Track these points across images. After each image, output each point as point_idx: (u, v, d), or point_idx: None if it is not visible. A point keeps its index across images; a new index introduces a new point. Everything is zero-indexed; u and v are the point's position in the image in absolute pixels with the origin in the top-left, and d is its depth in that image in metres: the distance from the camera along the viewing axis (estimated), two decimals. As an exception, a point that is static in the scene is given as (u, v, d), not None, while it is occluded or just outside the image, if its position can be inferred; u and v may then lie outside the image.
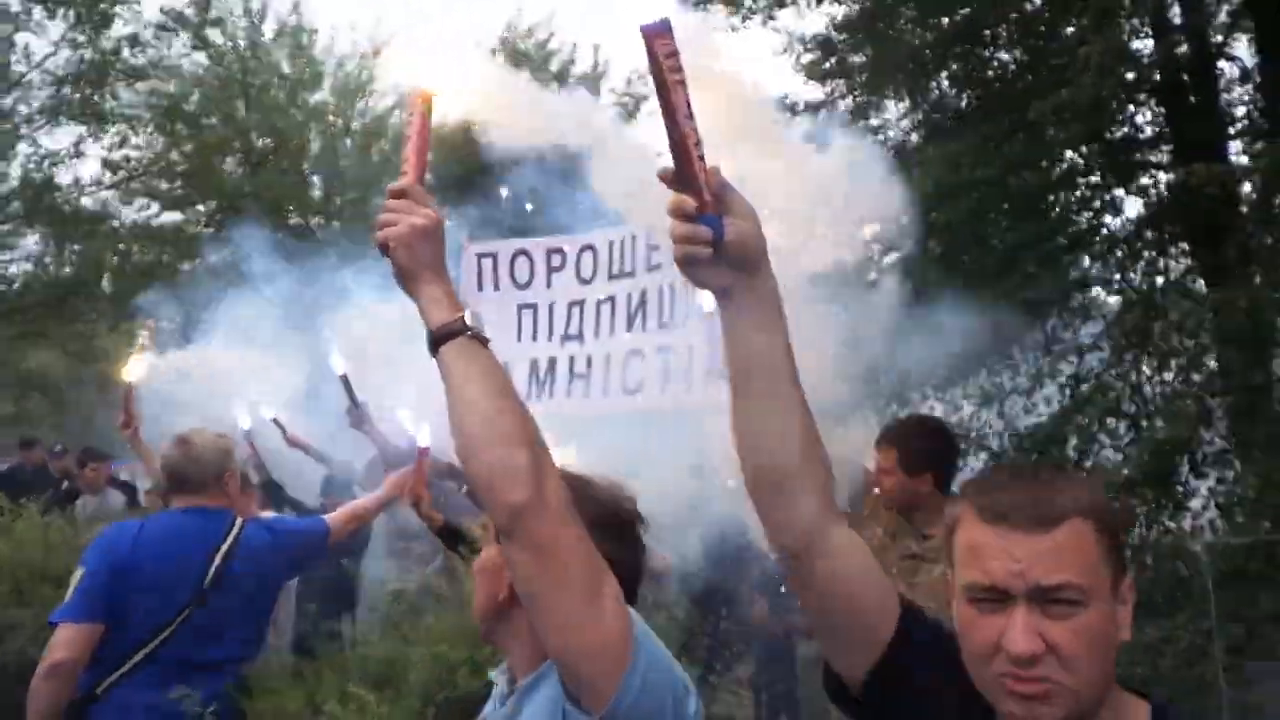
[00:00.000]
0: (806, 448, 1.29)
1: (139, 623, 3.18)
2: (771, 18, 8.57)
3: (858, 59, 7.84)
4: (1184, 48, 6.51)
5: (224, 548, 3.40)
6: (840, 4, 8.21)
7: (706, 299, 3.48)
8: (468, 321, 1.48)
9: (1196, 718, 4.19)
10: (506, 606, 1.60)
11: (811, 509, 1.28)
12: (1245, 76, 7.11)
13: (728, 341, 1.28)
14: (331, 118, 19.81)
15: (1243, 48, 7.24)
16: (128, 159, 15.05)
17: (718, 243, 1.21)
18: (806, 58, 8.51)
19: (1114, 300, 6.67)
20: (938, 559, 2.78)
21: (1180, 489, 5.35)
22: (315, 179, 20.14)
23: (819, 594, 1.34)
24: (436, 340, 1.47)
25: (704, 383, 5.73)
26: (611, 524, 1.62)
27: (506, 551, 1.41)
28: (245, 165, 18.58)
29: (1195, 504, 5.44)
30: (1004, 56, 7.33)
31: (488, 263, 7.02)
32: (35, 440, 9.97)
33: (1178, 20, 6.76)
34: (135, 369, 4.85)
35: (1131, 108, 6.76)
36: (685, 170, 1.20)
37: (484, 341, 1.48)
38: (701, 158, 1.20)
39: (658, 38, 1.16)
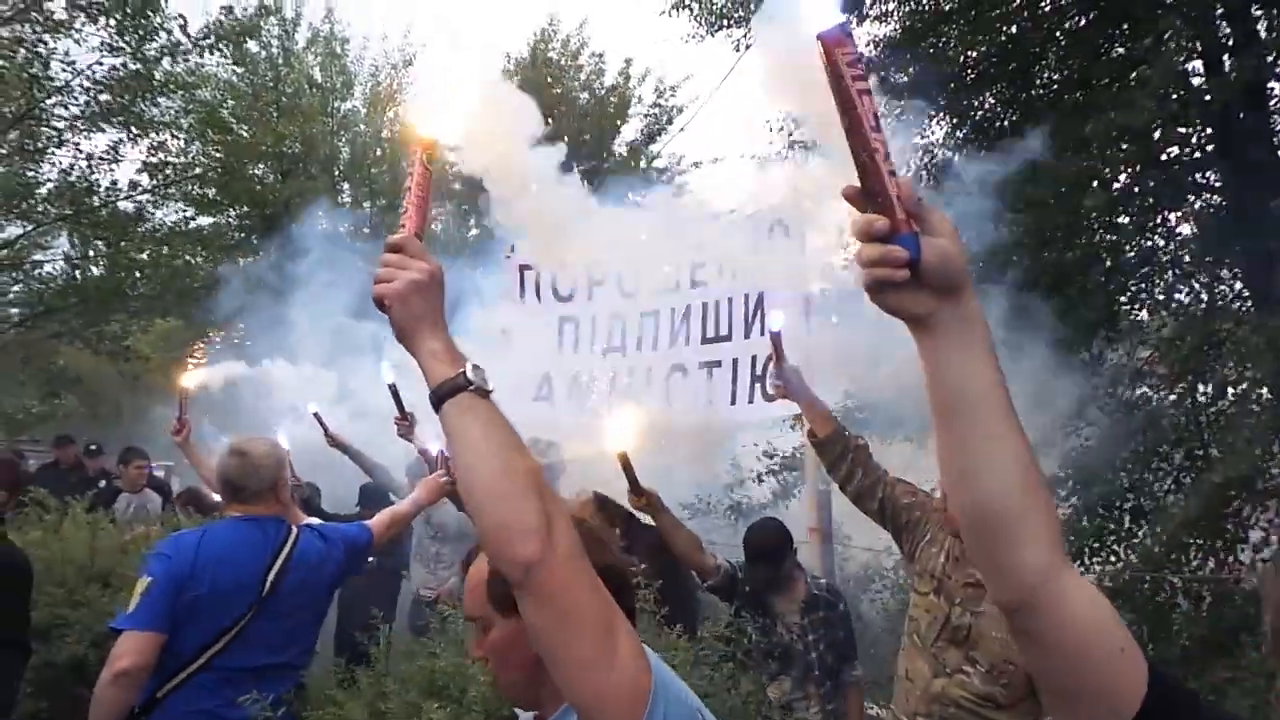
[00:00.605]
0: (1025, 487, 1.12)
1: (199, 631, 3.19)
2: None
3: (902, 77, 7.79)
4: (1235, 68, 6.42)
5: (282, 556, 3.41)
6: (884, 22, 8.19)
7: (774, 318, 3.45)
8: (469, 375, 1.43)
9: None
10: (538, 671, 1.53)
11: (1033, 557, 1.12)
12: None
13: (929, 372, 1.15)
14: (362, 126, 19.99)
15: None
16: (164, 162, 15.20)
17: (914, 265, 1.08)
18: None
19: (1154, 319, 6.53)
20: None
21: (1240, 525, 5.16)
22: (345, 186, 20.33)
23: (1041, 652, 1.15)
24: (438, 398, 1.44)
25: (748, 399, 5.72)
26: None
27: (521, 605, 1.39)
28: (276, 171, 18.77)
29: (1255, 536, 5.29)
30: (1053, 75, 7.27)
31: (530, 273, 7.01)
32: (70, 438, 10.01)
33: (1229, 40, 6.69)
34: (192, 377, 4.85)
35: (1182, 129, 6.66)
36: (874, 186, 1.08)
37: (486, 394, 1.44)
38: (893, 172, 1.07)
39: (838, 45, 1.05)
